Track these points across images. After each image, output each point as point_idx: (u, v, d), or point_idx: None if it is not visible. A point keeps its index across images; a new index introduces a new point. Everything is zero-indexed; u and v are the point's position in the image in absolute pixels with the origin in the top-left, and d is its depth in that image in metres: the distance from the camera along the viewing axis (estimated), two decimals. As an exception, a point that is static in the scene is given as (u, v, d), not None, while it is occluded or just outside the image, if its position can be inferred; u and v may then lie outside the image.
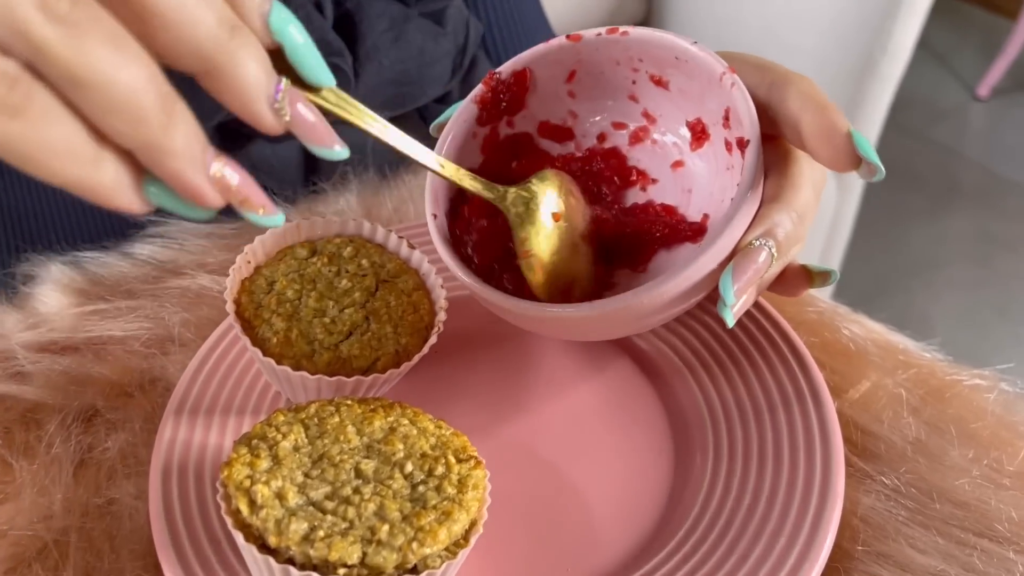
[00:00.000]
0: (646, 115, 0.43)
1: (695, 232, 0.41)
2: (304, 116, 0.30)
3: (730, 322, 0.36)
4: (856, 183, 1.24)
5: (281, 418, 0.37)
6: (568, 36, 0.41)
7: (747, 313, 0.45)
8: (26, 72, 0.24)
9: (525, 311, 0.37)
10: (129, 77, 0.25)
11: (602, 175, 0.44)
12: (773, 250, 0.36)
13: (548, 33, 0.74)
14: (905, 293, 1.67)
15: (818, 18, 1.13)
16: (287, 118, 0.30)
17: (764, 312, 0.45)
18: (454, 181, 0.39)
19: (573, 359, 0.46)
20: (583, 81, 0.43)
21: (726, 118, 0.40)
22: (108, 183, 0.26)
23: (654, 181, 0.44)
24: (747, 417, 0.41)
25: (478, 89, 0.42)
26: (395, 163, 0.57)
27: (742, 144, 0.37)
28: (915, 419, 0.43)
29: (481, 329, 0.47)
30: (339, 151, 0.32)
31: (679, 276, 0.35)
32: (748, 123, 0.37)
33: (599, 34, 0.41)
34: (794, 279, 0.39)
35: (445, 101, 0.66)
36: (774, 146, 0.39)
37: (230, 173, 0.29)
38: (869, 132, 1.21)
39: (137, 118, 0.25)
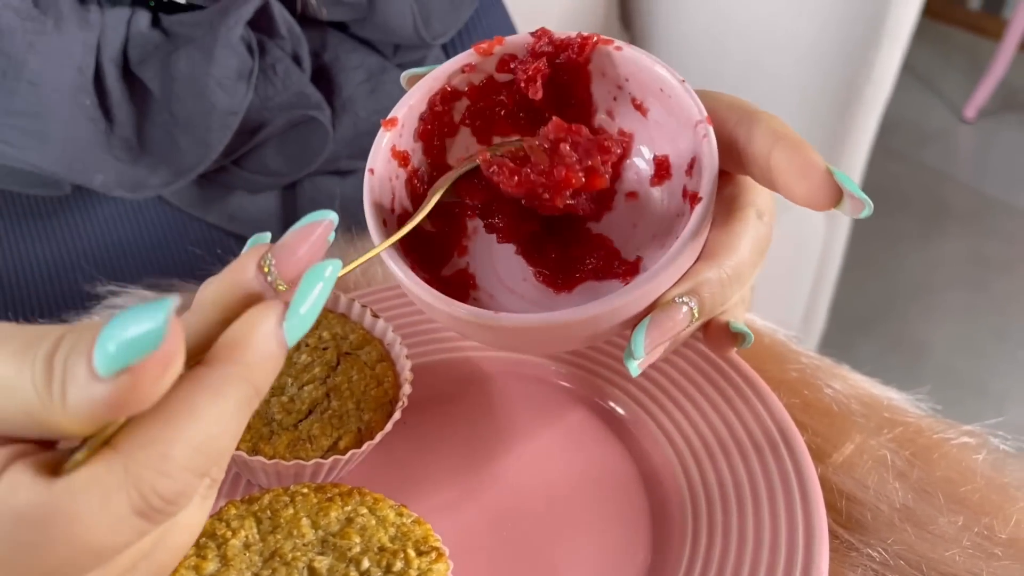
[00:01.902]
0: (622, 133, 0.41)
1: (626, 272, 0.40)
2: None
3: (634, 373, 0.36)
4: (844, 210, 1.23)
5: (233, 511, 0.35)
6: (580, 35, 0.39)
7: (727, 378, 0.43)
8: None
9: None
10: None
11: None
12: (695, 309, 0.35)
13: None
14: (900, 320, 1.65)
15: (801, 48, 1.12)
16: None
17: (743, 374, 0.43)
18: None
19: (546, 429, 0.44)
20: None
21: (691, 166, 0.38)
22: None
23: (609, 208, 0.42)
24: (727, 488, 0.40)
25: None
26: (363, 222, 0.55)
27: (695, 200, 0.36)
28: (902, 484, 0.41)
29: (448, 398, 0.46)
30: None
31: (595, 307, 0.34)
32: (707, 179, 0.36)
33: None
34: (719, 337, 0.38)
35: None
36: (722, 198, 0.38)
37: None
38: (856, 158, 1.20)
39: None
